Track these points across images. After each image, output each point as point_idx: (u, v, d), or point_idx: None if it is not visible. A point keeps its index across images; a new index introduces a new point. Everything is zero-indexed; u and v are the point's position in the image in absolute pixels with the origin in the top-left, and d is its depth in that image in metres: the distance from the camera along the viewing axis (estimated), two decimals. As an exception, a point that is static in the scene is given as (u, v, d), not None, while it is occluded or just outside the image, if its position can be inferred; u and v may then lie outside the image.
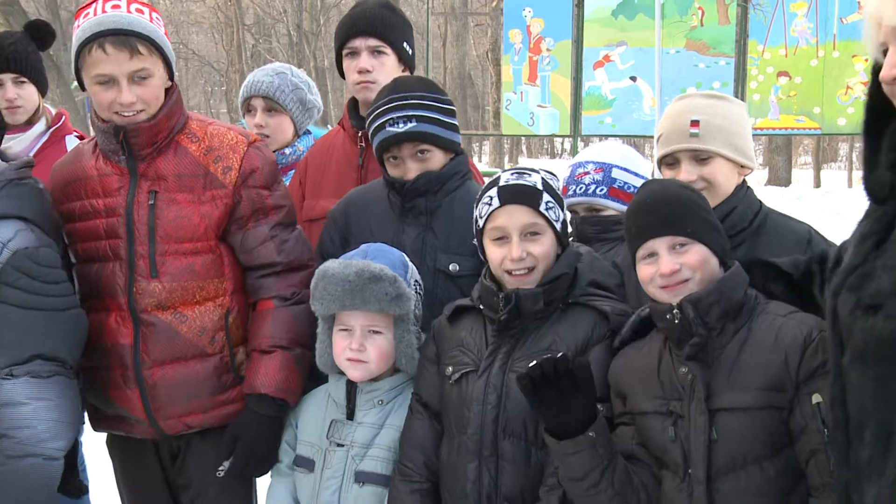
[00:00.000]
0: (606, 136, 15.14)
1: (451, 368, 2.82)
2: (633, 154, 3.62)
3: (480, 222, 2.80)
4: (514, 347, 2.73)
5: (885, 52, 1.94)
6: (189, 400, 3.06)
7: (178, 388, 3.04)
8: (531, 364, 2.46)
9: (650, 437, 2.52)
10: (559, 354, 2.44)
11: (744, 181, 3.01)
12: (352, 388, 3.00)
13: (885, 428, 1.92)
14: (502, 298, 2.72)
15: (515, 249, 2.71)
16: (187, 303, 3.04)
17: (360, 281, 2.86)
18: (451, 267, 3.16)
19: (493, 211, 2.75)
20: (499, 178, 2.81)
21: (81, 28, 2.95)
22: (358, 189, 3.52)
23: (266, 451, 3.07)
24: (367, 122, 3.30)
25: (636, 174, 3.51)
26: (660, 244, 2.49)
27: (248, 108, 4.35)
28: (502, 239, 2.75)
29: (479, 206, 2.80)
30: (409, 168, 3.20)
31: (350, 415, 2.99)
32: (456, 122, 3.29)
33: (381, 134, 3.21)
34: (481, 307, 2.80)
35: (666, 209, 2.50)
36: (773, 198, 17.83)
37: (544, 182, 2.78)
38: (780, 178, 27.26)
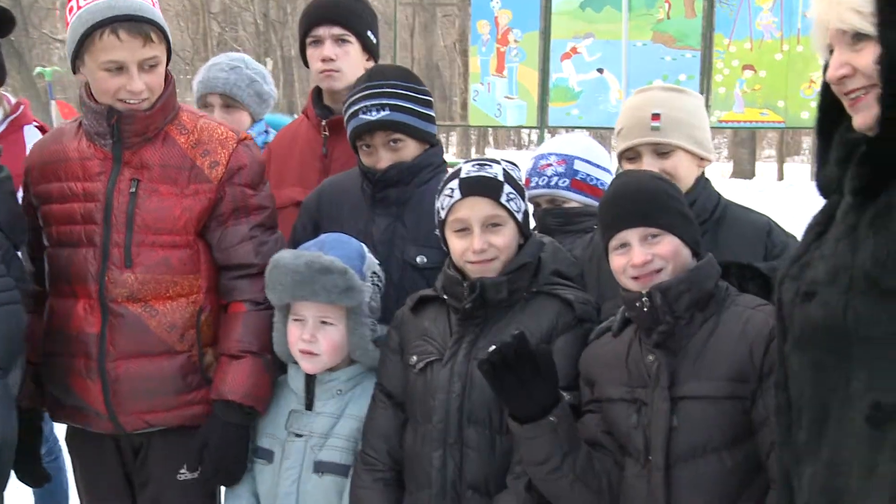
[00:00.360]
0: (573, 128, 15.19)
1: (415, 358, 2.82)
2: (596, 146, 3.64)
3: (442, 214, 2.80)
4: (479, 336, 2.74)
5: (831, 52, 2.01)
6: (152, 397, 3.01)
7: (141, 384, 2.99)
8: (491, 349, 2.48)
9: (615, 423, 2.55)
10: (517, 332, 2.47)
11: (702, 173, 3.03)
12: (310, 378, 3.00)
13: (820, 412, 1.98)
14: (467, 287, 2.73)
15: (477, 241, 2.72)
16: (159, 297, 2.99)
17: (309, 272, 2.85)
18: (418, 259, 3.16)
19: (455, 203, 2.75)
20: (460, 169, 2.81)
21: (88, 10, 2.88)
22: (334, 177, 3.51)
23: (234, 459, 3.03)
24: (344, 109, 3.29)
25: (599, 166, 3.52)
26: (632, 235, 2.51)
27: (204, 105, 4.32)
28: (464, 231, 2.75)
29: (441, 197, 2.81)
30: (382, 157, 3.19)
31: (309, 405, 2.99)
32: (432, 113, 3.28)
33: (354, 121, 3.20)
34: (445, 297, 2.81)
35: (639, 200, 2.52)
36: (736, 190, 17.96)
37: (505, 173, 2.78)
38: (744, 170, 27.51)
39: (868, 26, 1.90)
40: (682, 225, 2.54)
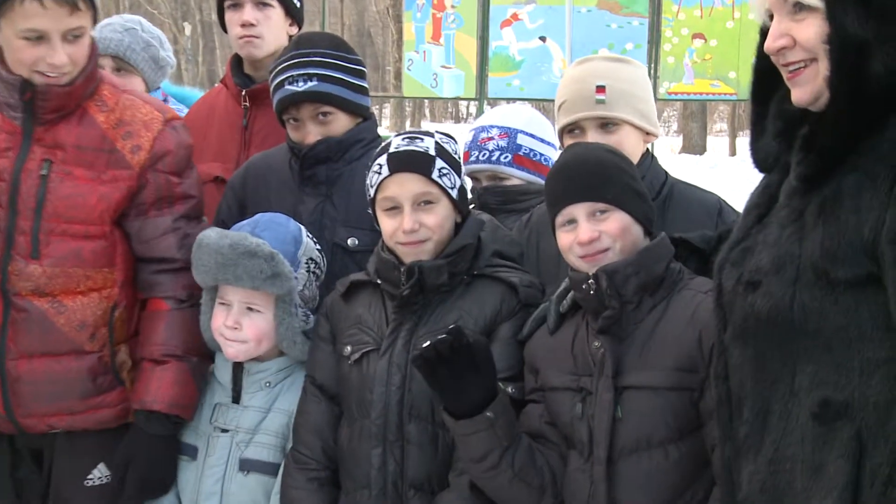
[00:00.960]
0: (514, 100, 15.19)
1: (349, 348, 2.80)
2: (541, 119, 3.64)
3: (371, 192, 2.78)
4: (418, 324, 2.72)
5: (771, 17, 2.03)
6: (56, 400, 2.93)
7: (44, 386, 2.91)
8: (425, 345, 2.46)
9: (559, 413, 2.55)
10: (451, 327, 2.47)
11: (648, 149, 3.05)
12: (238, 369, 2.97)
13: (762, 406, 2.00)
14: (404, 272, 2.71)
15: (407, 220, 2.70)
16: (69, 291, 2.91)
17: (233, 255, 2.82)
18: (349, 241, 3.15)
19: (383, 180, 2.73)
20: (389, 143, 2.79)
21: None
22: (262, 153, 3.48)
23: (161, 474, 2.99)
24: (269, 80, 3.25)
25: (543, 141, 3.53)
26: (579, 210, 2.51)
27: None
28: (394, 209, 2.73)
29: (370, 174, 2.78)
30: (309, 131, 3.17)
31: (236, 398, 2.97)
32: (365, 85, 3.26)
33: (279, 92, 3.16)
34: (379, 282, 2.79)
35: (586, 174, 2.52)
36: (687, 166, 18.20)
37: (438, 146, 2.76)
38: (695, 145, 27.82)
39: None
40: (632, 200, 2.54)
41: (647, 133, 3.02)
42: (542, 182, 3.44)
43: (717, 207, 2.99)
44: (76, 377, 2.94)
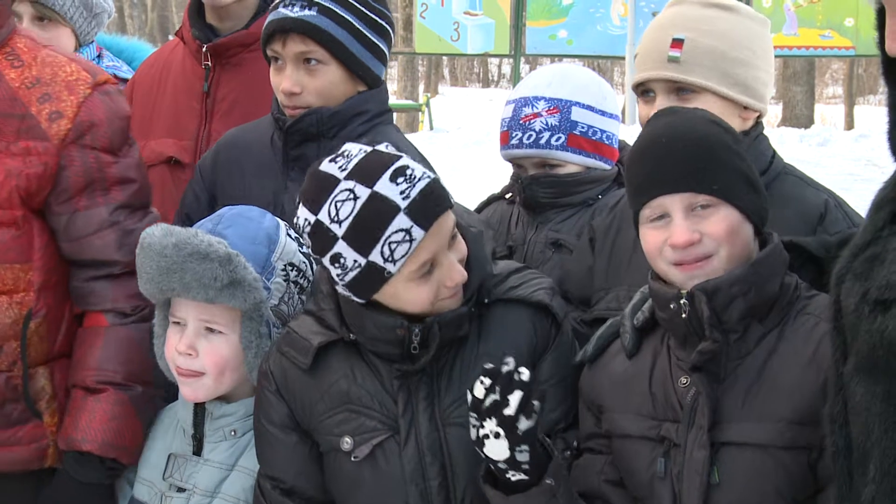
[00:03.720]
0: (560, 57, 15.21)
1: (348, 440, 2.70)
2: (599, 83, 3.61)
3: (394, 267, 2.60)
4: (436, 389, 2.67)
5: None
6: None
7: None
8: (476, 386, 2.40)
9: (631, 469, 2.53)
10: (507, 358, 2.40)
11: (755, 126, 3.01)
12: (201, 410, 2.97)
13: (893, 460, 1.96)
14: (417, 333, 2.60)
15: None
16: None
17: (178, 257, 2.78)
18: None
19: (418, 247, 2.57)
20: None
21: None
22: (239, 127, 3.50)
23: None
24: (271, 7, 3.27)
25: (603, 113, 3.50)
26: (673, 203, 2.45)
27: None
28: (428, 273, 2.60)
29: (392, 245, 2.58)
30: (288, 76, 3.19)
31: (198, 448, 2.97)
32: (381, 45, 3.28)
33: (271, 16, 3.19)
34: (366, 344, 2.70)
35: (684, 154, 2.45)
36: (788, 143, 18.12)
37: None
38: (799, 116, 27.75)
39: None
40: (744, 191, 2.48)
41: (745, 107, 2.98)
42: (603, 167, 3.46)
43: (821, 211, 2.91)
44: None
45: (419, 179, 2.56)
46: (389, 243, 2.53)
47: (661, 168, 2.46)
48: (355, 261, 2.53)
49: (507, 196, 3.53)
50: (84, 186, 2.99)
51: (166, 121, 3.73)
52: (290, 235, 2.98)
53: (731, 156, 2.48)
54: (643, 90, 3.01)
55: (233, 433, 2.95)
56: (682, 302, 2.43)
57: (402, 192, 2.53)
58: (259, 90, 3.67)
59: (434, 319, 2.59)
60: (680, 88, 2.94)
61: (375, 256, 2.53)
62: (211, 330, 2.89)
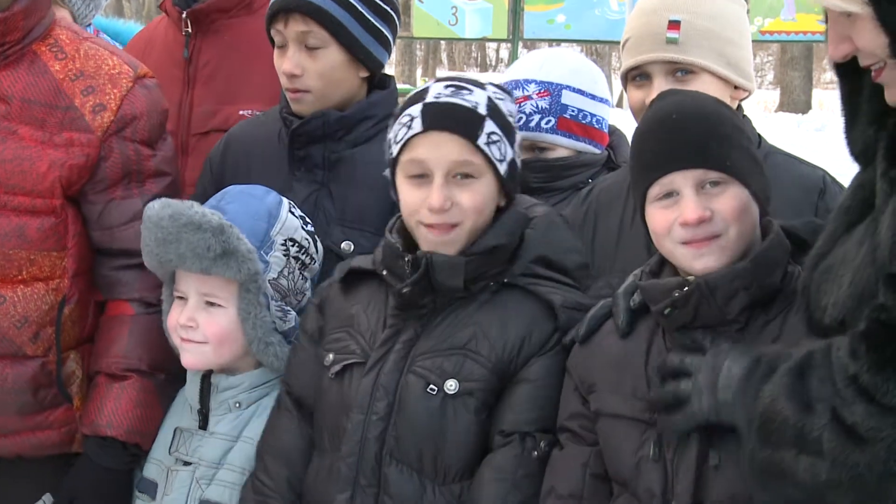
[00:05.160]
0: (558, 42, 15.18)
1: (331, 356, 2.81)
2: (589, 67, 3.64)
3: (394, 150, 2.76)
4: (419, 335, 2.73)
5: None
6: None
7: None
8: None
9: (618, 450, 2.52)
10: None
11: (739, 107, 3.04)
12: (206, 385, 3.01)
13: None
14: (408, 262, 2.70)
15: (437, 195, 2.68)
16: (8, 279, 2.97)
17: (174, 228, 2.85)
18: (343, 245, 3.18)
19: (413, 137, 2.70)
20: (427, 90, 2.77)
21: None
22: (247, 120, 3.52)
23: None
24: None
25: (593, 97, 3.53)
26: (684, 180, 2.43)
27: None
28: (421, 178, 2.71)
29: (395, 126, 2.76)
30: (289, 57, 3.19)
31: (203, 423, 3.01)
32: (385, 32, 3.28)
33: None
34: (384, 273, 2.78)
35: (696, 130, 2.44)
36: (786, 129, 18.12)
37: (490, 104, 2.73)
38: (797, 101, 27.70)
39: (854, 6, 1.94)
40: (752, 171, 2.47)
41: (736, 87, 3.01)
42: (593, 151, 3.47)
43: (820, 187, 2.97)
44: (13, 387, 2.99)
45: (461, 95, 2.72)
46: (399, 123, 2.73)
47: (672, 144, 2.45)
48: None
49: None
50: (121, 177, 3.05)
51: None
52: (293, 213, 3.03)
53: (740, 135, 2.49)
54: (636, 74, 3.01)
55: (237, 405, 3.00)
56: (685, 289, 2.40)
57: (436, 95, 2.70)
58: (240, 56, 3.75)
59: (424, 254, 2.67)
60: (678, 70, 2.96)
61: (391, 132, 2.76)
62: (211, 304, 2.94)
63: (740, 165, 2.44)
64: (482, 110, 2.70)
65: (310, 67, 3.18)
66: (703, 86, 2.92)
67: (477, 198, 2.70)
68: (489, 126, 2.69)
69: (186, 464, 2.99)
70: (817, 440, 1.96)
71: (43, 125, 2.97)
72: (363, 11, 3.21)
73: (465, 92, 2.73)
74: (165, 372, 3.06)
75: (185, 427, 3.04)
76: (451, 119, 2.68)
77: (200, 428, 3.02)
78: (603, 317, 2.64)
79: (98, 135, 2.99)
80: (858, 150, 2.12)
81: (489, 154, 2.68)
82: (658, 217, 2.47)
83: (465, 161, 2.68)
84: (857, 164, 2.15)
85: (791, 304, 2.41)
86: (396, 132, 2.74)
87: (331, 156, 3.22)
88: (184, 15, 3.74)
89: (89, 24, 4.35)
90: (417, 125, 2.69)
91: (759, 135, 3.04)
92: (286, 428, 2.88)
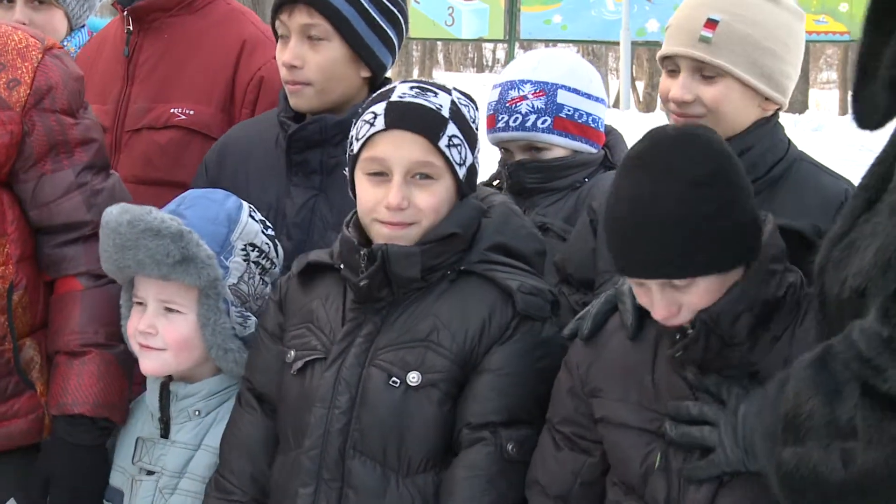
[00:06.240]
0: (554, 42, 15.21)
1: (292, 353, 2.80)
2: (584, 67, 3.62)
3: (356, 146, 2.75)
4: (380, 328, 2.72)
5: None
6: None
7: None
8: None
9: (625, 459, 2.51)
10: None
11: (772, 116, 2.96)
12: (166, 393, 3.00)
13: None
14: (364, 256, 2.69)
15: (395, 193, 2.67)
16: None
17: (132, 234, 2.83)
18: None
19: (374, 134, 2.70)
20: (393, 89, 2.78)
21: None
22: (243, 123, 3.51)
23: (90, 492, 3.03)
24: None
25: (589, 96, 3.51)
26: (650, 283, 2.40)
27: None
28: (380, 175, 2.71)
29: (358, 123, 2.75)
30: (291, 48, 3.16)
31: (165, 431, 3.01)
32: (388, 32, 3.26)
33: None
34: (341, 267, 2.77)
35: (654, 243, 2.34)
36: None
37: (454, 108, 2.74)
38: (793, 101, 27.54)
39: None
40: (724, 254, 2.37)
41: (766, 98, 2.93)
42: (589, 150, 3.47)
43: (840, 199, 2.82)
44: None
45: (426, 96, 2.73)
46: (362, 120, 2.73)
47: (629, 254, 2.38)
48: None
49: (496, 183, 3.52)
50: (48, 150, 3.01)
51: (96, 87, 3.67)
52: (253, 217, 3.02)
53: (710, 228, 2.33)
54: (669, 66, 2.97)
55: (197, 413, 2.99)
56: (689, 331, 2.37)
57: (401, 94, 2.72)
58: (177, 54, 3.71)
59: (380, 246, 2.66)
60: (704, 69, 2.90)
61: (353, 129, 2.76)
62: (170, 310, 2.93)
63: (709, 263, 2.35)
64: (445, 113, 2.71)
65: (311, 59, 3.16)
66: (728, 90, 2.88)
67: (434, 199, 2.70)
68: (451, 129, 2.70)
69: (150, 473, 2.98)
70: (849, 422, 1.89)
71: None
72: (369, 9, 3.19)
73: (429, 94, 2.74)
74: (124, 342, 3.02)
75: (146, 436, 3.02)
76: (414, 119, 2.69)
77: (162, 436, 3.00)
78: (607, 312, 2.62)
79: (17, 111, 2.95)
80: (866, 113, 2.06)
81: (449, 156, 2.69)
82: (640, 297, 2.46)
83: (425, 161, 2.68)
84: (861, 127, 2.08)
85: (796, 317, 2.39)
86: (359, 129, 2.74)
87: (328, 161, 3.20)
88: (125, 11, 3.72)
89: (83, 25, 4.36)
90: (380, 123, 2.69)
91: (788, 140, 3.00)
92: (248, 422, 2.88)
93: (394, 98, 2.72)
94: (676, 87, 2.90)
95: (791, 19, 2.99)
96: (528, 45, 16.46)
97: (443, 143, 2.68)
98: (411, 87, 2.77)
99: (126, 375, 3.05)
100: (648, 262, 2.35)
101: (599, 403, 2.55)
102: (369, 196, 2.70)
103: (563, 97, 3.46)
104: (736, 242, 2.36)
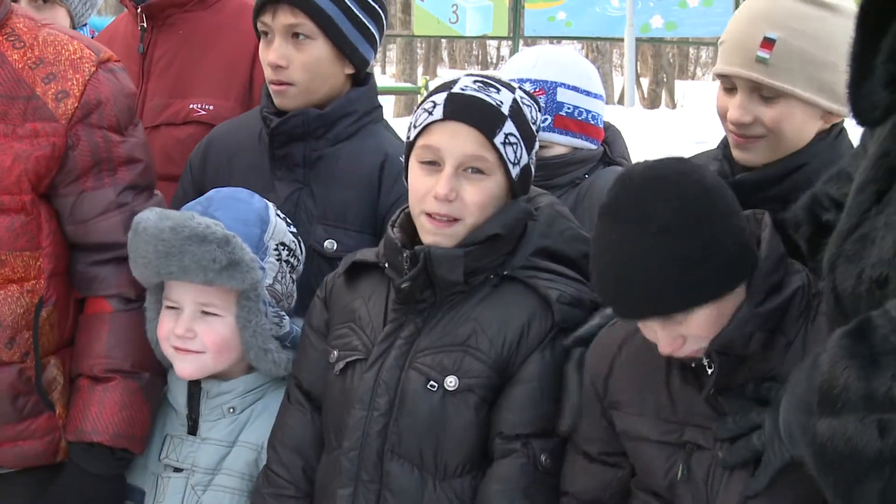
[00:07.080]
0: (558, 39, 15.19)
1: (335, 353, 2.82)
2: (582, 64, 3.66)
3: (412, 133, 2.76)
4: (420, 330, 2.74)
5: None
6: None
7: None
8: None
9: (649, 471, 2.53)
10: None
11: (832, 127, 2.86)
12: (195, 390, 3.00)
13: None
14: (407, 257, 2.70)
15: (443, 184, 2.66)
16: None
17: (176, 240, 2.81)
18: (326, 244, 3.19)
19: (431, 123, 2.71)
20: (456, 81, 2.78)
21: None
22: (228, 121, 3.51)
23: None
24: None
25: (588, 93, 3.55)
26: (649, 322, 2.43)
27: None
28: (433, 165, 2.70)
29: (418, 112, 2.76)
30: (275, 48, 3.18)
31: (193, 428, 3.00)
32: (371, 29, 3.28)
33: None
34: (386, 266, 2.78)
35: (638, 291, 2.35)
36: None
37: (514, 106, 2.73)
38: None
39: None
40: (713, 286, 2.36)
41: (829, 112, 2.82)
42: (589, 147, 3.49)
43: None
44: None
45: (488, 91, 2.73)
46: (422, 108, 2.75)
47: (616, 300, 2.41)
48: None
49: None
50: (91, 166, 2.97)
51: None
52: (279, 216, 3.03)
53: (692, 268, 2.33)
54: (725, 84, 2.86)
55: (231, 410, 2.99)
56: (704, 361, 2.40)
57: (463, 87, 2.73)
58: (193, 50, 3.76)
59: (422, 248, 2.66)
60: (763, 90, 2.77)
61: (412, 117, 2.77)
62: (206, 312, 2.92)
63: (699, 297, 2.36)
64: (505, 110, 2.70)
65: (295, 59, 3.18)
66: (788, 111, 2.77)
67: (482, 195, 2.68)
68: (509, 126, 2.69)
69: (177, 470, 2.98)
70: (887, 393, 1.84)
71: (5, 117, 2.88)
72: (351, 6, 3.22)
73: (492, 89, 2.73)
74: (151, 371, 3.01)
75: (174, 433, 3.02)
76: (472, 112, 2.68)
77: (189, 433, 3.00)
78: (603, 326, 2.66)
79: (63, 123, 2.91)
80: (866, 109, 2.06)
81: (503, 153, 2.68)
82: (643, 330, 2.47)
83: (477, 155, 2.67)
84: (861, 124, 2.10)
85: (806, 321, 2.41)
86: (417, 116, 2.75)
87: (311, 154, 3.22)
88: (139, 9, 3.75)
89: (85, 24, 4.37)
90: (438, 112, 2.69)
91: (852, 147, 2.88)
92: (297, 421, 2.89)
93: (455, 89, 2.73)
94: (734, 108, 2.79)
95: (850, 25, 2.82)
96: (532, 42, 16.40)
97: (498, 139, 2.68)
98: (474, 81, 2.77)
99: (149, 405, 3.02)
100: (637, 307, 2.39)
101: (619, 416, 2.58)
102: (420, 184, 2.70)
103: (562, 95, 3.49)
104: (724, 272, 2.37)
